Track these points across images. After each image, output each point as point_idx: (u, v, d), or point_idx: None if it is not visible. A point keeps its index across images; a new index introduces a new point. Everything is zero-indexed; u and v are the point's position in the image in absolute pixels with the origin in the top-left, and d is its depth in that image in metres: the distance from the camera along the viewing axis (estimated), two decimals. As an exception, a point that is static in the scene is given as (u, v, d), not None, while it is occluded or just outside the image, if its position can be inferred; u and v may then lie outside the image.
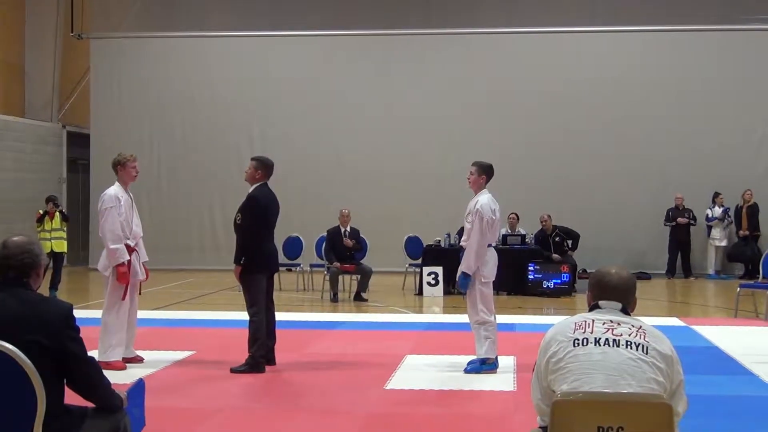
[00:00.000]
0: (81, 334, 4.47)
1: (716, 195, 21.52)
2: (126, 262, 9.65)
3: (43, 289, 4.69)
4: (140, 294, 10.21)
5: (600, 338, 4.15)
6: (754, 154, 22.02)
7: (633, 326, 4.21)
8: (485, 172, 9.69)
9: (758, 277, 14.73)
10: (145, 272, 10.16)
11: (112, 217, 9.67)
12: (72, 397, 4.52)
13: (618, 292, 4.37)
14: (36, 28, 24.65)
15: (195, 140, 23.83)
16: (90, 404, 4.59)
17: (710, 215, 21.59)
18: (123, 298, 9.76)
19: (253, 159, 9.96)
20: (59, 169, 24.78)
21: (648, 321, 4.33)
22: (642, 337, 4.15)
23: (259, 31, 23.79)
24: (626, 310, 4.34)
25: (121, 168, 9.92)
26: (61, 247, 17.15)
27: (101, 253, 9.87)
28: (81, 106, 24.93)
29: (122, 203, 9.76)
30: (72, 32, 24.34)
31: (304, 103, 23.36)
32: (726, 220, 21.50)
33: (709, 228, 21.69)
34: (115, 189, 9.84)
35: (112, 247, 9.60)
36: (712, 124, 22.03)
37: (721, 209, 21.49)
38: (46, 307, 4.43)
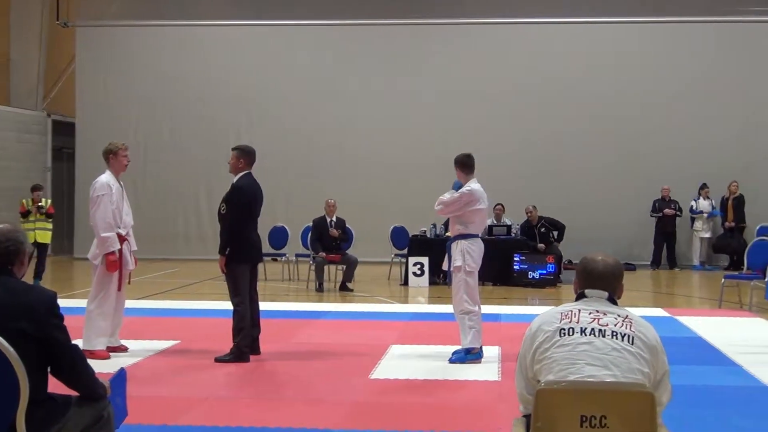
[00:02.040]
0: (65, 323, 4.47)
1: (703, 187, 21.59)
2: (116, 251, 9.64)
3: (27, 279, 4.65)
4: (129, 283, 10.19)
5: (586, 328, 4.15)
6: (737, 145, 22.10)
7: (619, 316, 4.21)
8: (461, 165, 9.79)
9: (743, 269, 14.77)
10: (134, 261, 10.15)
11: (104, 205, 9.62)
12: (56, 386, 4.51)
13: (604, 281, 4.36)
14: (21, 15, 24.57)
15: (181, 129, 23.78)
16: (74, 393, 4.58)
17: (695, 207, 21.65)
18: (119, 289, 9.79)
19: (234, 149, 9.92)
20: (44, 157, 24.73)
21: (633, 311, 4.33)
22: (628, 327, 4.15)
23: (246, 21, 23.76)
24: (613, 299, 4.34)
25: (112, 157, 9.89)
26: (45, 238, 17.09)
27: (91, 242, 9.82)
28: (66, 95, 24.85)
29: (114, 191, 9.73)
30: (57, 20, 24.28)
31: (291, 93, 23.34)
32: (713, 213, 21.64)
33: (693, 219, 21.77)
34: (106, 177, 9.80)
35: (103, 235, 9.57)
36: (697, 115, 22.12)
37: (707, 202, 21.57)
38: (30, 295, 4.41)
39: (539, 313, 4.47)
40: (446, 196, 9.66)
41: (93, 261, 9.73)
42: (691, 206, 21.68)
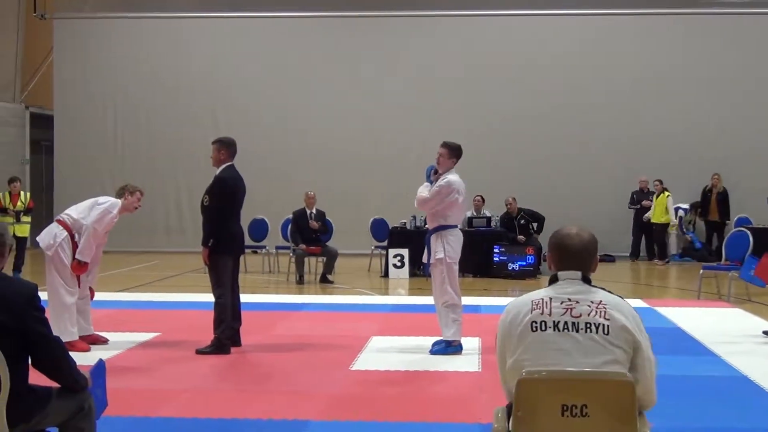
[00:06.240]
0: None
1: (696, 205, 21.60)
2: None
3: (6, 272, 4.60)
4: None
5: (559, 321, 4.05)
6: (719, 137, 22.10)
7: (592, 302, 4.08)
8: (455, 153, 9.70)
9: (721, 260, 14.86)
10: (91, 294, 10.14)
11: (106, 222, 9.73)
12: (37, 377, 4.50)
13: (579, 259, 4.25)
14: (-2, 7, 24.39)
15: (159, 121, 23.67)
16: (55, 384, 4.57)
17: (682, 220, 21.49)
18: (79, 286, 9.74)
19: (214, 142, 9.91)
20: (22, 150, 24.52)
21: (605, 294, 4.20)
22: (602, 314, 4.04)
23: (225, 12, 23.68)
24: (586, 278, 4.23)
25: (129, 195, 10.00)
26: (24, 232, 17.07)
27: (45, 227, 9.86)
28: (44, 87, 24.67)
29: (114, 220, 9.84)
30: (35, 12, 24.13)
31: (271, 84, 23.31)
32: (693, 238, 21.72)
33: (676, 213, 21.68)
34: (118, 206, 9.88)
35: (92, 242, 9.61)
36: (676, 107, 22.18)
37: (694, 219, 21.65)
38: (10, 287, 4.39)
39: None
40: (424, 193, 9.60)
41: (47, 251, 9.65)
42: (680, 218, 21.48)
